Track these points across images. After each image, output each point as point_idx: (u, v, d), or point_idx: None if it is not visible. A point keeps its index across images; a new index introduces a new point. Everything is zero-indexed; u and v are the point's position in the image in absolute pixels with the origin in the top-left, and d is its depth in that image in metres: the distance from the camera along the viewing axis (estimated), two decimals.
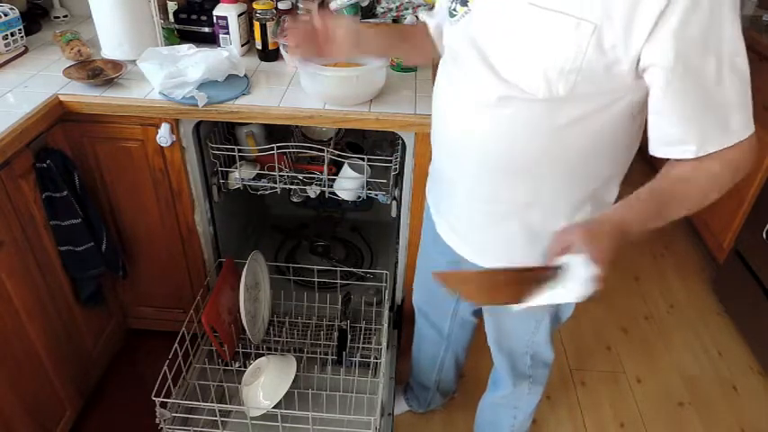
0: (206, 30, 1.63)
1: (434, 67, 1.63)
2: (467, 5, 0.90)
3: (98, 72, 1.44)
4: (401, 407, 1.75)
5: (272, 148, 1.49)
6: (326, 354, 1.63)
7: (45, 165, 1.31)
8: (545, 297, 0.78)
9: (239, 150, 1.53)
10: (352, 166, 1.54)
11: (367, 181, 1.54)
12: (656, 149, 0.83)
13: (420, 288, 1.48)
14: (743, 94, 0.78)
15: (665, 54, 0.74)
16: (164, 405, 1.34)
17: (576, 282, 0.76)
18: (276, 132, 1.64)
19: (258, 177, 1.60)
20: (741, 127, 0.79)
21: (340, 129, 1.67)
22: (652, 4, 0.71)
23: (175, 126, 1.42)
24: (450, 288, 1.06)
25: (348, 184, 1.56)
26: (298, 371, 1.51)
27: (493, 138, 0.91)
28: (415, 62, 1.50)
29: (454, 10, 0.92)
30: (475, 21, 0.89)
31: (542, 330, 1.19)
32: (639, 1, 0.72)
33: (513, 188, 0.95)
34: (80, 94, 1.38)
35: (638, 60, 0.76)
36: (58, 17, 1.84)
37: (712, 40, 0.74)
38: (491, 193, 0.98)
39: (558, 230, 0.81)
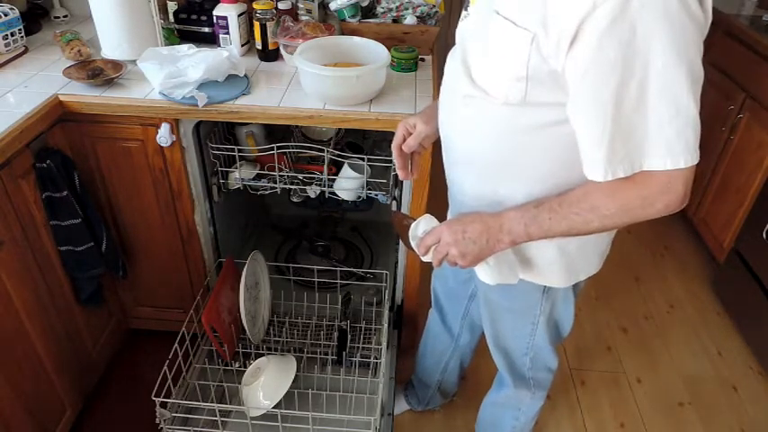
0: (206, 30, 1.63)
1: (435, 67, 1.63)
2: (467, 10, 0.94)
3: (98, 72, 1.45)
4: (401, 405, 1.75)
5: (272, 148, 1.49)
6: (326, 354, 1.63)
7: (45, 165, 1.31)
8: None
9: (239, 150, 1.53)
10: (352, 166, 1.54)
11: (367, 181, 1.54)
12: (583, 169, 0.81)
13: (439, 279, 1.48)
14: (671, 127, 0.73)
15: (578, 68, 0.73)
16: (164, 405, 1.34)
17: (416, 239, 1.00)
18: (276, 132, 1.64)
19: (258, 177, 1.60)
20: (655, 160, 0.75)
21: (340, 129, 1.67)
22: (573, 17, 0.71)
23: (175, 126, 1.42)
24: (394, 228, 1.16)
25: (348, 184, 1.56)
26: (298, 371, 1.51)
27: (460, 134, 0.97)
28: None
29: (460, 13, 0.97)
30: (468, 23, 0.93)
31: (540, 334, 1.19)
32: (567, 12, 0.71)
33: (490, 186, 0.97)
34: (80, 94, 1.38)
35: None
36: (58, 17, 1.84)
37: (637, 64, 0.71)
38: (472, 188, 1.01)
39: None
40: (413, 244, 1.02)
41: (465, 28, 0.94)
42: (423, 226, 1.01)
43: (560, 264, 1.02)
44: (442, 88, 1.03)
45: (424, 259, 1.00)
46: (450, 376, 1.63)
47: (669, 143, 0.74)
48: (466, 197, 1.04)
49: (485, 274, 0.98)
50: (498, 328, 1.25)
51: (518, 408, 1.42)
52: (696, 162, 0.76)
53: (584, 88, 0.75)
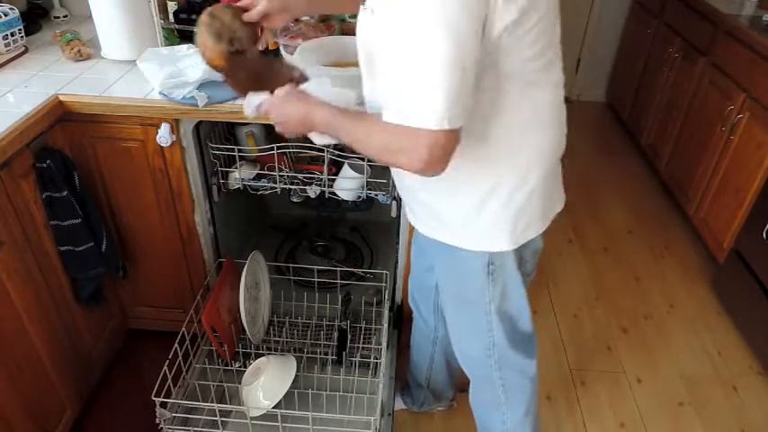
0: None
1: None
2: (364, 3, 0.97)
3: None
4: (397, 403, 1.75)
5: (272, 148, 1.49)
6: (326, 354, 1.63)
7: (45, 165, 1.31)
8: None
9: (239, 150, 1.53)
10: (352, 166, 1.54)
11: (367, 181, 1.54)
12: None
13: (412, 277, 1.50)
14: (421, 88, 0.80)
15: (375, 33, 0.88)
16: (164, 405, 1.34)
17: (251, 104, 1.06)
18: (276, 132, 1.64)
19: (258, 177, 1.60)
20: (406, 115, 0.83)
21: None
22: None
23: (175, 126, 1.42)
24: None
25: (348, 184, 1.56)
26: (298, 371, 1.52)
27: None
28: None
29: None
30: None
31: (497, 330, 1.19)
32: None
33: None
34: (80, 93, 1.38)
35: None
36: (58, 17, 1.84)
37: (404, 31, 0.79)
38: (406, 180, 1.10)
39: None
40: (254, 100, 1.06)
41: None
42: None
43: (501, 225, 1.04)
44: None
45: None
46: (437, 374, 1.61)
47: (416, 102, 0.81)
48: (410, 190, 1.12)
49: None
50: (456, 323, 1.26)
51: (499, 409, 1.37)
52: (447, 128, 0.81)
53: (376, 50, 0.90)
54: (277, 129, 1.06)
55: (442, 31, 0.77)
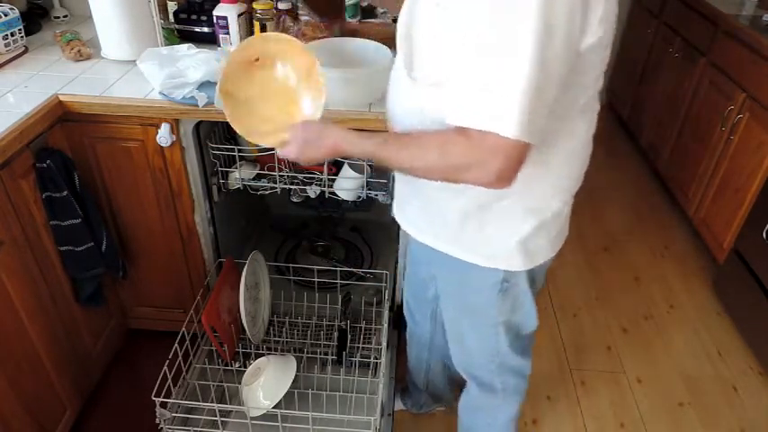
0: (206, 30, 1.63)
1: None
2: None
3: None
4: (397, 405, 1.75)
5: (272, 148, 1.49)
6: (326, 354, 1.63)
7: (45, 165, 1.31)
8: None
9: (239, 150, 1.53)
10: (352, 166, 1.54)
11: (367, 181, 1.54)
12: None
13: (408, 285, 1.48)
14: (493, 88, 0.71)
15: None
16: (164, 405, 1.34)
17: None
18: None
19: (258, 177, 1.60)
20: (470, 116, 0.74)
21: None
22: None
23: (175, 126, 1.42)
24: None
25: (348, 184, 1.56)
26: (298, 371, 1.51)
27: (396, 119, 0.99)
28: None
29: None
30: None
31: (502, 339, 1.17)
32: None
33: None
34: (80, 93, 1.38)
35: None
36: (58, 17, 1.84)
37: (473, 21, 0.72)
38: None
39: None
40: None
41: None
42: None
43: (516, 245, 1.00)
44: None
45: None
46: (435, 378, 1.61)
47: (498, 107, 0.71)
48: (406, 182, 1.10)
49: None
50: (459, 334, 1.24)
51: (490, 412, 1.38)
52: (522, 138, 0.72)
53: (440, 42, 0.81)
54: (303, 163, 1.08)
55: (540, 25, 0.67)
